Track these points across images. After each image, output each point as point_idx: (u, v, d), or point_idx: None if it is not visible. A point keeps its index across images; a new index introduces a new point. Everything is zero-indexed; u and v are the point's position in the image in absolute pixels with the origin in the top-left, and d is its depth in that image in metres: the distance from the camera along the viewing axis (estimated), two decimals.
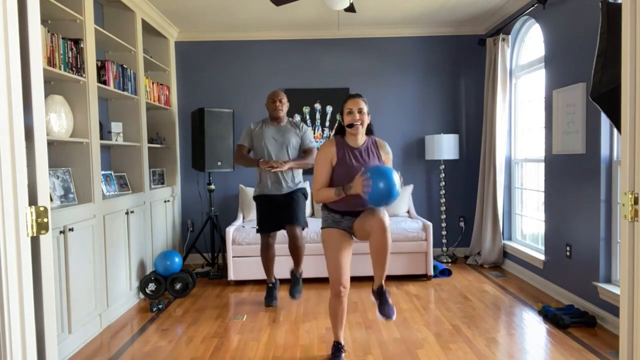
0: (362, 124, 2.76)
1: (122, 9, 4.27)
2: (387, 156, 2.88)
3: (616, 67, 2.54)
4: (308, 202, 5.24)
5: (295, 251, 3.80)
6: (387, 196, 2.50)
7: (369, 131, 2.89)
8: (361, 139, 2.82)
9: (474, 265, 5.23)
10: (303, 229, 3.86)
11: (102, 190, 3.84)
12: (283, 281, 4.40)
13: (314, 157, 3.81)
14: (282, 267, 4.33)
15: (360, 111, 2.74)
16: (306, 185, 3.92)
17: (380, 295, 2.78)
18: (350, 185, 2.63)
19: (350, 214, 2.81)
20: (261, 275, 4.55)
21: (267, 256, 3.95)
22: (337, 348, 2.93)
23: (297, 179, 3.91)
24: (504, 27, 4.94)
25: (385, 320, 2.75)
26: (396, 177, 2.54)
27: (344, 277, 2.76)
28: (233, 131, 5.08)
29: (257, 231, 3.92)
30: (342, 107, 2.80)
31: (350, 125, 2.75)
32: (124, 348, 3.18)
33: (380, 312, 2.74)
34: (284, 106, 3.87)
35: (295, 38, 5.54)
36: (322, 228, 2.87)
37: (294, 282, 3.94)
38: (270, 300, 3.98)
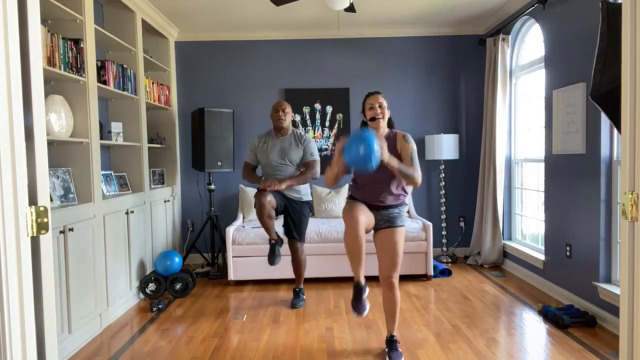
0: (383, 117, 2.90)
1: (122, 9, 4.27)
2: (405, 145, 2.88)
3: (616, 67, 2.54)
4: None
5: (297, 265, 3.98)
6: (364, 160, 2.56)
7: (390, 125, 3.02)
8: (383, 132, 2.94)
9: (474, 265, 5.23)
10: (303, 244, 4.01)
11: (102, 190, 3.84)
12: (284, 281, 4.40)
13: (314, 171, 3.84)
14: (284, 268, 4.33)
15: (380, 105, 2.90)
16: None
17: (390, 344, 2.98)
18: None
19: (368, 206, 2.92)
20: (261, 275, 4.56)
21: (262, 216, 3.70)
22: (358, 288, 2.80)
23: (304, 190, 3.93)
24: (504, 27, 4.94)
25: None
26: (374, 144, 2.56)
27: (359, 217, 2.72)
28: (233, 131, 5.08)
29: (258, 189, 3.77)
30: (364, 105, 2.98)
31: (373, 119, 2.89)
32: (124, 348, 3.18)
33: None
34: (287, 116, 3.85)
35: (295, 38, 5.54)
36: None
37: (296, 297, 4.01)
38: (273, 257, 3.78)
